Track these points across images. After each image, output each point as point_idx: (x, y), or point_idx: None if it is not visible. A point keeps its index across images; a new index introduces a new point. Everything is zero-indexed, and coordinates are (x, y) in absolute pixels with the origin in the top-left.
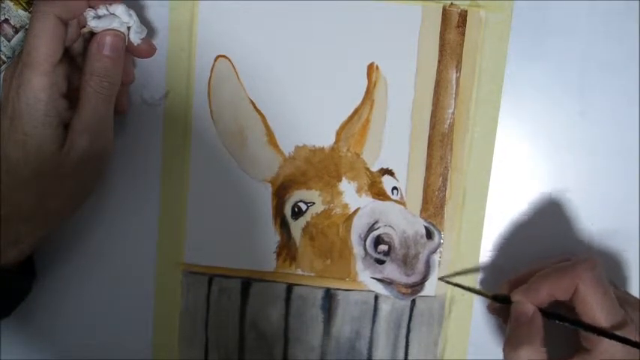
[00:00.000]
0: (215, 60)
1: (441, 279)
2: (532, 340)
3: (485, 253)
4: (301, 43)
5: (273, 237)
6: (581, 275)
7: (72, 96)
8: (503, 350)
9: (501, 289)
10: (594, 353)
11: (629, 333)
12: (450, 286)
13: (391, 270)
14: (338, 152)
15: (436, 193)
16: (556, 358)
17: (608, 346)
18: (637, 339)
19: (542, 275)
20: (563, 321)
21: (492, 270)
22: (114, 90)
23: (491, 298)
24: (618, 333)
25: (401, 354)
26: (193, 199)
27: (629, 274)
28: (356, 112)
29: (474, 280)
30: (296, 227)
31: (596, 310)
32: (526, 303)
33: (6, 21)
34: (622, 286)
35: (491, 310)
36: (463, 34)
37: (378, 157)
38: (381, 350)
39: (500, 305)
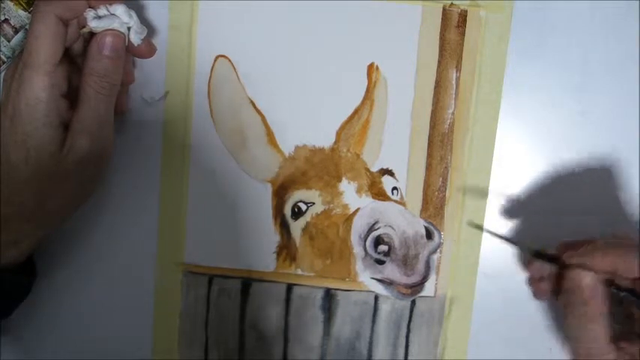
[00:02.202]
0: (215, 60)
1: (472, 224)
2: (596, 314)
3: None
4: (301, 43)
5: (273, 237)
6: None
7: (72, 96)
8: (568, 326)
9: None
10: None
11: None
12: (450, 286)
13: (391, 270)
14: (338, 152)
15: (436, 193)
16: (621, 338)
17: None
18: None
19: (609, 244)
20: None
21: (491, 269)
22: (114, 90)
23: (534, 255)
24: None
25: (401, 354)
26: (193, 199)
27: None
28: (356, 112)
29: (474, 277)
30: (296, 227)
31: None
32: (587, 273)
33: (6, 21)
34: None
35: (530, 269)
36: (463, 34)
37: (378, 157)
38: (381, 350)
39: (542, 265)
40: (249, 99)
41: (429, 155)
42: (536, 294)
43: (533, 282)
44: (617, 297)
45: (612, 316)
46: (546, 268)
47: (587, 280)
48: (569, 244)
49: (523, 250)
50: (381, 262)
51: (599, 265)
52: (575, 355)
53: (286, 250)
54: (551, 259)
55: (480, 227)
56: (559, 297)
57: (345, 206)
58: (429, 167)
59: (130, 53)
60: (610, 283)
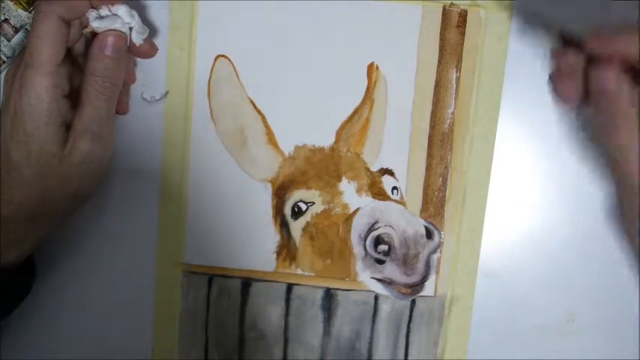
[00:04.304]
0: (215, 60)
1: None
2: (630, 114)
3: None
4: (301, 43)
5: (273, 237)
6: None
7: (74, 96)
8: (599, 138)
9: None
10: None
11: None
12: (450, 286)
13: (391, 270)
14: (338, 152)
15: (436, 193)
16: None
17: None
18: None
19: None
20: None
21: (491, 272)
22: (115, 90)
23: (562, 37)
24: None
25: (401, 354)
26: (193, 199)
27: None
28: (356, 111)
29: (474, 277)
30: (296, 227)
31: None
32: (614, 72)
33: (6, 21)
34: (621, 280)
35: (555, 56)
36: (463, 34)
37: (378, 157)
38: (381, 350)
39: (568, 54)
40: (249, 99)
41: (429, 155)
42: (561, 93)
43: (557, 77)
44: None
45: None
46: (573, 60)
47: (611, 77)
48: (597, 29)
49: (552, 33)
50: (381, 262)
51: (630, 45)
52: (611, 168)
53: (286, 249)
54: (579, 45)
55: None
56: (588, 101)
57: (345, 206)
58: (429, 167)
59: (131, 53)
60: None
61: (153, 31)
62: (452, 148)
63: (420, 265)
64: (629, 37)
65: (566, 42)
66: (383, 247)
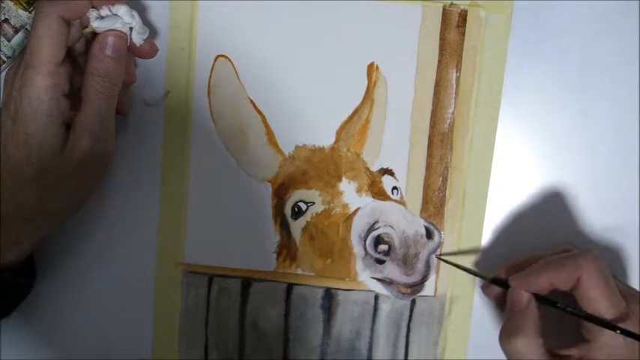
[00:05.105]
0: (215, 60)
1: (438, 257)
2: (527, 329)
3: (484, 251)
4: (301, 43)
5: (273, 237)
6: (585, 266)
7: (74, 96)
8: (499, 339)
9: (498, 272)
10: (595, 344)
11: (630, 325)
12: (450, 285)
13: (391, 270)
14: (338, 152)
15: (436, 193)
16: (555, 347)
17: (609, 337)
18: (638, 332)
19: (544, 263)
20: (565, 310)
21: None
22: (116, 90)
23: (490, 281)
24: (620, 325)
25: (401, 354)
26: (193, 199)
27: (630, 271)
28: (356, 111)
29: (474, 276)
30: (296, 227)
31: (599, 301)
32: (521, 291)
33: (6, 21)
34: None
35: (487, 292)
36: (463, 33)
37: (378, 156)
38: (381, 350)
39: (498, 289)
40: (249, 99)
41: (429, 155)
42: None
43: (496, 305)
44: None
45: (549, 329)
46: (497, 292)
47: (520, 297)
48: (512, 265)
49: (483, 278)
50: (381, 262)
51: (538, 284)
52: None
53: (286, 249)
54: (504, 283)
55: (444, 260)
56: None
57: (345, 206)
58: (429, 167)
59: (131, 53)
60: (543, 300)
61: (153, 31)
62: (452, 148)
63: (420, 265)
64: (543, 277)
65: (493, 281)
66: (383, 247)
